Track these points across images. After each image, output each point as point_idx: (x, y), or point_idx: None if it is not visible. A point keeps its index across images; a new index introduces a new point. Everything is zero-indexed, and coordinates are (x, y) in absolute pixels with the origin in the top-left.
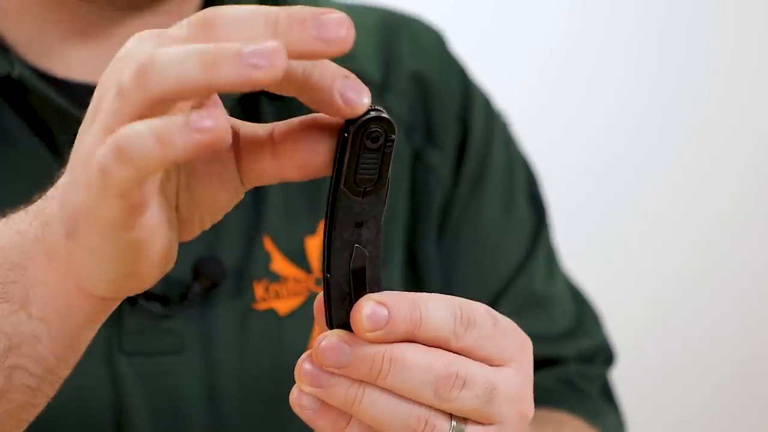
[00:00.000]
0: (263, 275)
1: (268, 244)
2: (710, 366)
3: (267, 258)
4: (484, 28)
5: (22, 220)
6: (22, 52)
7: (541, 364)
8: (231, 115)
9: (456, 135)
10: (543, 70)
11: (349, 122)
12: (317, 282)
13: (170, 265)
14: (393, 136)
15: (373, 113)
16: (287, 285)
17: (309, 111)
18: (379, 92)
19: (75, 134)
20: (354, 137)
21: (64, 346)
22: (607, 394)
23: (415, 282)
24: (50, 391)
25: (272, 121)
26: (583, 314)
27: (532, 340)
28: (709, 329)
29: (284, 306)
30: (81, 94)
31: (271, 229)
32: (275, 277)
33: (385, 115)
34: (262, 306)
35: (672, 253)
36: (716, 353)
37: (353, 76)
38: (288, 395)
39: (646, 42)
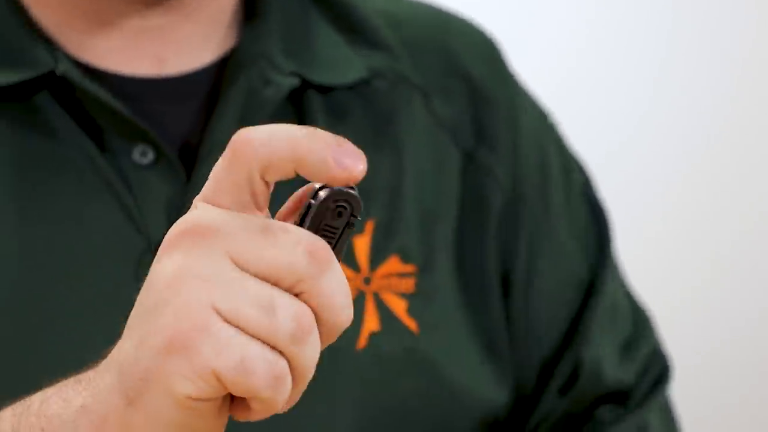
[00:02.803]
0: None
1: None
2: (722, 374)
3: None
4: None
5: (71, 388)
6: (59, 42)
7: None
8: (280, 113)
9: (508, 139)
10: (558, 80)
11: (318, 189)
12: (365, 281)
13: None
14: (358, 216)
15: (342, 188)
16: None
17: (355, 102)
18: (423, 93)
19: (119, 126)
20: (318, 208)
21: None
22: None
23: (466, 286)
24: None
25: (320, 116)
26: (639, 322)
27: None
28: (724, 334)
29: None
30: (114, 84)
31: None
32: None
33: (355, 192)
34: None
35: (687, 260)
36: (730, 360)
37: (347, 142)
38: (338, 390)
39: (664, 59)
